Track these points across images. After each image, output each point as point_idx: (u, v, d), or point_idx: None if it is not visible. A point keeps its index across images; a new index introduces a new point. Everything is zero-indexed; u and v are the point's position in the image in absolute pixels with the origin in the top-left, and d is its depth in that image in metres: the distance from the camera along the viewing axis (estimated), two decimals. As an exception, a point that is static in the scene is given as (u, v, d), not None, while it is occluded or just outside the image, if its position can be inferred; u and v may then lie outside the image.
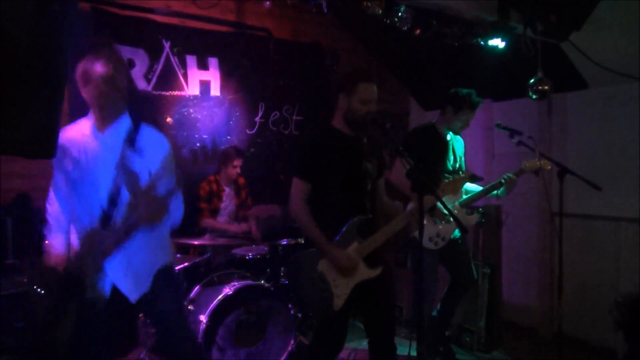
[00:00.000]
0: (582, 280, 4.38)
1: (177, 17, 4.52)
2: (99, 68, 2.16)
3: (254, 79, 4.96)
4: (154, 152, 2.24)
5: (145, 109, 4.33)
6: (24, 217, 3.43)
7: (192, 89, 4.59)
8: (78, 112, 3.95)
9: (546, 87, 4.02)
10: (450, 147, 3.67)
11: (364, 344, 3.63)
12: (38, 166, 3.81)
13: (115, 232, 2.17)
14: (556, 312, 3.36)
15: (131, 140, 2.25)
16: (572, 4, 3.90)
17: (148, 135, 2.32)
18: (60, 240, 2.36)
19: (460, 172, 3.63)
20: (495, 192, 3.59)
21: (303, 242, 3.79)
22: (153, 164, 2.17)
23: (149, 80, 4.35)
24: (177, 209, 2.30)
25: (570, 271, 4.05)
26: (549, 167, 3.55)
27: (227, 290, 3.40)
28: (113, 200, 2.20)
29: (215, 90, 4.74)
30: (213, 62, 4.72)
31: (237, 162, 4.35)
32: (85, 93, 2.23)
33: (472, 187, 3.76)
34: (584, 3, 3.91)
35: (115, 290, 2.26)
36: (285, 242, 3.94)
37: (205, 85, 4.68)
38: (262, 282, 3.64)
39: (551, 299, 4.59)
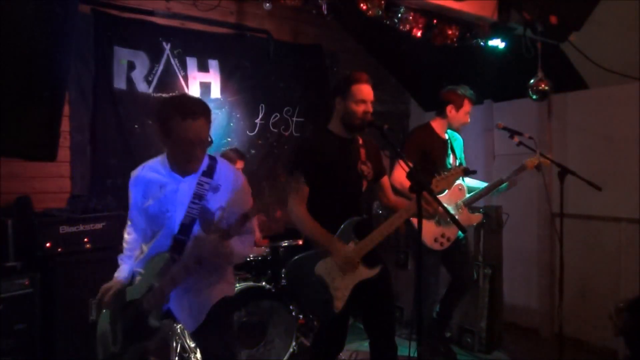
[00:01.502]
0: (583, 281, 4.37)
1: (178, 19, 4.52)
2: (186, 129, 2.07)
3: (254, 80, 4.95)
4: (229, 187, 2.25)
5: (146, 112, 4.32)
6: (25, 219, 3.43)
7: (192, 90, 4.59)
8: (79, 116, 3.99)
9: (546, 88, 4.03)
10: (449, 146, 3.68)
11: (365, 345, 3.63)
12: (39, 168, 3.81)
13: (184, 261, 2.14)
14: (557, 313, 3.36)
15: (209, 172, 2.25)
16: (571, 5, 3.90)
17: (224, 169, 2.32)
18: (126, 269, 2.39)
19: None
20: (502, 187, 3.61)
21: (302, 244, 3.80)
22: (227, 199, 2.20)
23: (149, 83, 4.35)
24: (246, 246, 2.29)
25: (571, 272, 4.05)
26: (549, 163, 3.55)
27: (228, 291, 3.40)
28: (185, 229, 2.20)
29: (215, 92, 4.74)
30: (213, 64, 4.71)
31: (239, 165, 4.34)
32: (164, 143, 2.20)
33: (475, 184, 3.76)
34: (584, 4, 3.91)
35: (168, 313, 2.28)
36: (286, 244, 3.94)
37: (205, 87, 4.67)
38: (263, 283, 3.64)
39: (552, 300, 4.58)
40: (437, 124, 3.68)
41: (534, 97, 4.09)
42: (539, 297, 4.73)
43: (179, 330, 3.26)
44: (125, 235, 2.47)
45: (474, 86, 3.68)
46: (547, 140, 4.62)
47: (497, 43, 4.05)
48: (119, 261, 2.45)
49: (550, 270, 4.62)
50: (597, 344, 4.24)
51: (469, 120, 3.67)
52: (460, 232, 3.57)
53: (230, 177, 2.31)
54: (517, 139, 3.59)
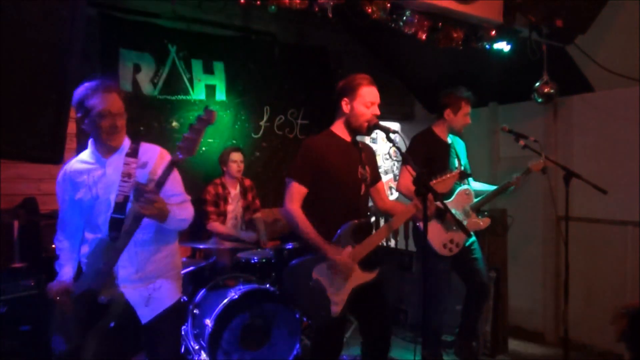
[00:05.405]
0: (589, 285, 4.36)
1: (183, 21, 4.53)
2: (99, 105, 2.22)
3: (259, 83, 4.97)
4: (157, 163, 2.30)
5: (151, 114, 4.34)
6: (31, 221, 3.44)
7: (197, 93, 4.61)
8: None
9: (552, 90, 4.02)
10: (453, 150, 3.67)
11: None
12: (45, 170, 3.83)
13: (125, 223, 2.19)
14: (562, 317, 3.34)
15: (133, 150, 2.32)
16: (577, 8, 3.89)
17: (149, 149, 2.38)
18: (69, 270, 2.39)
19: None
20: (509, 189, 3.60)
21: (299, 248, 3.79)
22: (157, 174, 2.21)
23: (154, 85, 4.37)
24: (184, 211, 2.34)
25: (577, 275, 4.03)
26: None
27: (233, 294, 3.41)
28: (121, 206, 2.24)
29: (220, 95, 4.76)
30: (219, 66, 4.73)
31: (236, 156, 4.34)
32: (84, 125, 2.29)
33: (480, 187, 3.75)
34: (590, 6, 3.90)
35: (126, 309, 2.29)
36: (290, 246, 3.94)
37: (210, 90, 4.69)
38: (267, 286, 3.64)
39: (557, 304, 4.57)
40: (438, 128, 3.67)
41: (540, 99, 4.08)
42: (544, 300, 4.72)
43: (182, 333, 3.26)
44: (57, 244, 2.47)
45: (479, 88, 3.68)
46: (552, 143, 4.61)
47: (503, 46, 4.04)
48: (57, 268, 2.43)
49: (556, 273, 4.61)
50: (602, 348, 4.21)
51: (469, 121, 3.66)
52: (472, 238, 3.59)
53: (156, 152, 2.37)
54: (522, 142, 3.59)
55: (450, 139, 3.70)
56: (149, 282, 2.33)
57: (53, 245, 3.31)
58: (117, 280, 2.24)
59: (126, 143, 2.37)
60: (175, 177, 2.36)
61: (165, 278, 2.39)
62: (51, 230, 3.36)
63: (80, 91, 2.25)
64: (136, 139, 2.41)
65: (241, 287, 3.51)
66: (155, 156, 2.34)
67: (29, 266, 3.30)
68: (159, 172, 2.16)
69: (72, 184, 2.33)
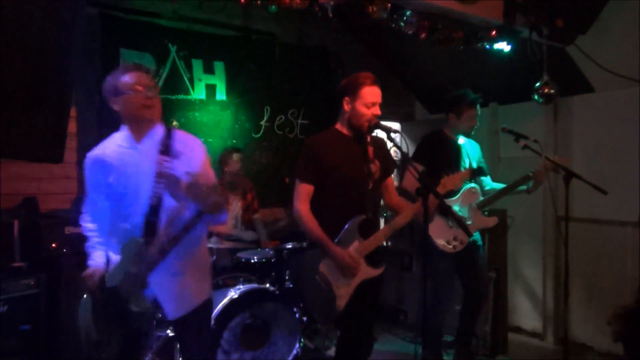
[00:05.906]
0: (589, 285, 4.36)
1: (184, 21, 4.54)
2: (130, 80, 2.22)
3: (259, 82, 4.97)
4: (191, 154, 2.28)
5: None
6: (31, 220, 3.45)
7: (198, 92, 4.61)
8: (86, 118, 4.01)
9: (552, 91, 4.02)
10: (464, 151, 3.66)
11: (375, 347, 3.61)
12: (45, 170, 3.83)
13: (160, 240, 2.16)
14: (562, 317, 3.34)
15: (166, 145, 2.27)
16: (578, 8, 3.89)
17: (183, 139, 2.34)
18: (100, 255, 2.36)
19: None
20: (524, 186, 3.57)
21: (306, 245, 3.79)
22: (191, 166, 2.19)
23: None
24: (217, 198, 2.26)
25: (576, 276, 4.04)
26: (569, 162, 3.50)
27: (233, 293, 3.41)
28: (155, 209, 2.20)
29: (221, 94, 4.76)
30: (219, 66, 4.73)
31: (236, 157, 4.35)
32: (118, 106, 2.27)
33: (496, 186, 3.73)
34: (590, 7, 3.90)
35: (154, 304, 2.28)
36: (290, 246, 3.95)
37: (211, 89, 4.69)
38: (267, 285, 3.65)
39: (557, 304, 4.57)
40: (447, 129, 3.67)
41: (540, 100, 4.08)
42: (543, 301, 4.72)
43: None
44: (83, 225, 2.44)
45: (479, 89, 3.67)
46: (552, 143, 4.61)
47: (503, 46, 4.04)
48: (88, 250, 2.39)
49: (555, 274, 4.61)
50: (602, 348, 4.22)
51: (476, 122, 3.64)
52: (475, 236, 3.58)
53: (189, 143, 2.34)
54: (522, 142, 3.58)
55: (463, 140, 3.69)
56: (177, 281, 2.29)
57: (53, 245, 3.35)
58: (147, 290, 2.20)
59: (159, 129, 2.33)
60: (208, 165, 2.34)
61: (192, 278, 2.34)
62: (51, 230, 3.37)
63: (109, 79, 2.26)
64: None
65: (241, 286, 3.51)
66: (188, 146, 2.31)
67: (29, 265, 3.31)
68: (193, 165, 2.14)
69: (103, 167, 2.28)
